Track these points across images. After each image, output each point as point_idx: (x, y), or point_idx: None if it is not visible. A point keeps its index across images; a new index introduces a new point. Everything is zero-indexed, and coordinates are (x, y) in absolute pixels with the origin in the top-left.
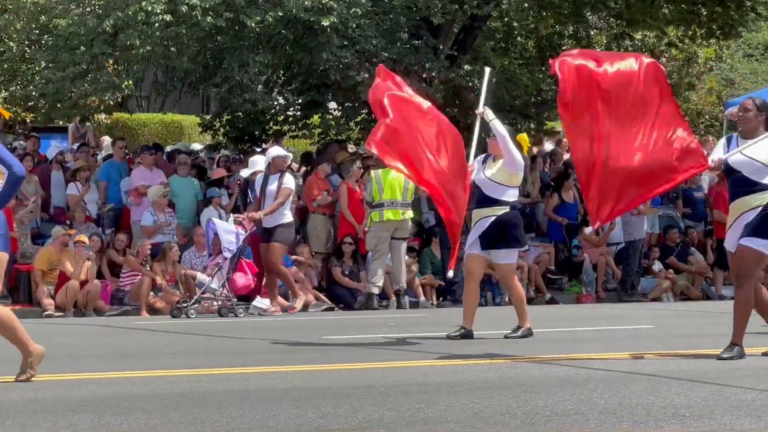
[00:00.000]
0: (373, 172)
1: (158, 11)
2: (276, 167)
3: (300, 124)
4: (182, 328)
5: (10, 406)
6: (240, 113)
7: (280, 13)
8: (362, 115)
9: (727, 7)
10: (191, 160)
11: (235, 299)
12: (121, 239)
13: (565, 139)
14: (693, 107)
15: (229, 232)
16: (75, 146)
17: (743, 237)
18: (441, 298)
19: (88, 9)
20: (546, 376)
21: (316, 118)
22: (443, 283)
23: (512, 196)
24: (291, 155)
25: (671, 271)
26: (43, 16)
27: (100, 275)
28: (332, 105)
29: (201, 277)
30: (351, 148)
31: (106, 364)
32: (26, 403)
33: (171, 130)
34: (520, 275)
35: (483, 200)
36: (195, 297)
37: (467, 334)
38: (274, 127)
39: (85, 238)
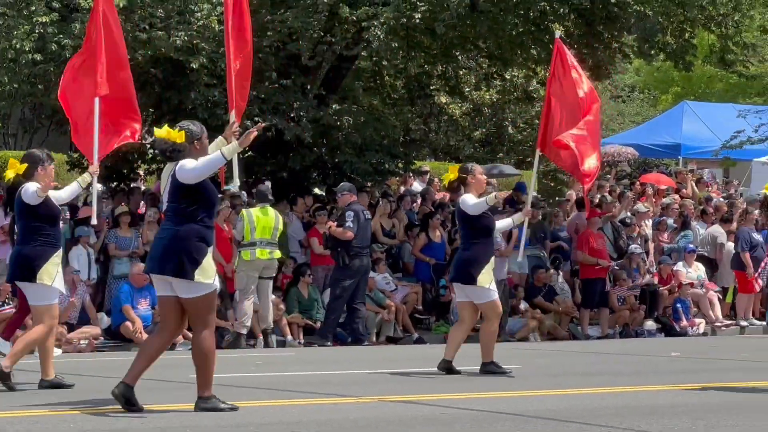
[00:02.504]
0: (244, 212)
1: (27, 49)
2: None
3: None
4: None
5: None
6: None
7: (150, 53)
8: None
9: (594, 48)
10: None
11: None
12: None
13: (437, 179)
14: None
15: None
16: None
17: None
18: (308, 337)
19: None
20: (413, 416)
21: None
22: (310, 322)
23: None
24: None
25: (538, 311)
26: None
27: None
28: None
29: None
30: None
31: None
32: None
33: None
34: (387, 315)
35: None
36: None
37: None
38: (143, 166)
39: None
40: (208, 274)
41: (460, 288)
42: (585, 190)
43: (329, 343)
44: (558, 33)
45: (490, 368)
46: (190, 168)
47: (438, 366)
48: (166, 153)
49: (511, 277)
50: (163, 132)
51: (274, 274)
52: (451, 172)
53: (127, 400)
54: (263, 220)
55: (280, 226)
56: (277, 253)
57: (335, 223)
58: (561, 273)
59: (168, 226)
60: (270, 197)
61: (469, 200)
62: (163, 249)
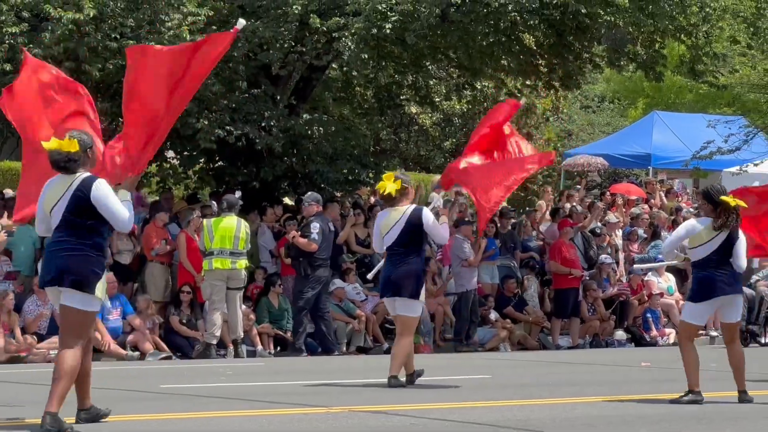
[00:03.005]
0: (205, 221)
1: None
2: None
3: None
4: (21, 378)
5: None
6: None
7: (120, 62)
8: (200, 164)
9: (565, 59)
10: None
11: None
12: None
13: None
14: None
15: None
16: None
17: None
18: (278, 347)
19: None
20: (383, 427)
21: (153, 167)
22: (281, 332)
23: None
24: None
25: (508, 320)
26: None
27: None
28: (170, 154)
29: None
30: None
31: None
32: None
33: (8, 177)
34: (358, 325)
35: None
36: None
37: None
38: None
39: None
40: (101, 291)
41: (397, 301)
42: (482, 220)
43: (305, 354)
44: (523, 100)
45: (393, 382)
46: (127, 219)
47: (389, 384)
48: (61, 164)
49: (481, 286)
50: (53, 144)
51: (241, 285)
52: (389, 180)
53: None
54: (222, 229)
55: (242, 235)
56: (241, 263)
57: (299, 233)
58: (534, 278)
59: (66, 239)
60: (236, 206)
61: (443, 231)
62: (65, 261)
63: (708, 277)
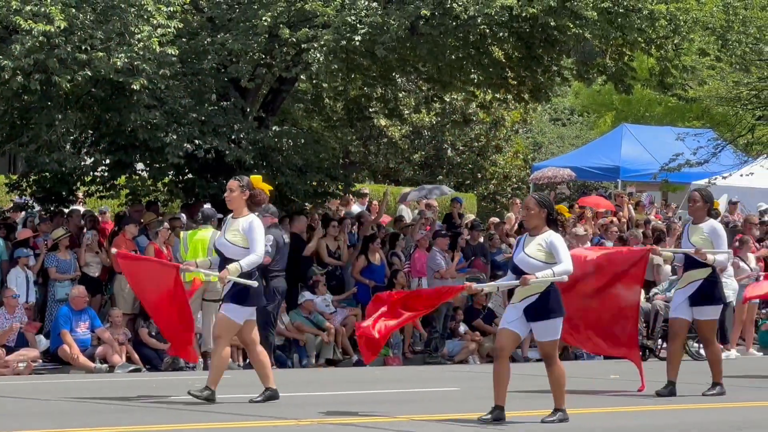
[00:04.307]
0: (182, 233)
1: None
2: None
3: (108, 185)
4: None
5: None
6: (47, 173)
7: (90, 74)
8: (169, 177)
9: (534, 71)
10: None
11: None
12: None
13: (376, 201)
14: (500, 170)
15: None
16: None
17: None
18: (247, 360)
19: None
20: None
21: (122, 179)
22: None
23: None
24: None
25: (477, 333)
26: None
27: None
28: (140, 166)
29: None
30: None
31: None
32: None
33: None
34: (327, 337)
35: None
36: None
37: None
38: (82, 188)
39: None
40: None
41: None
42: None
43: (274, 367)
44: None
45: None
46: None
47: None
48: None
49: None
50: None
51: (218, 297)
52: (259, 182)
53: None
54: (196, 241)
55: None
56: (215, 276)
57: None
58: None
59: None
60: (213, 218)
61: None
62: None
63: None
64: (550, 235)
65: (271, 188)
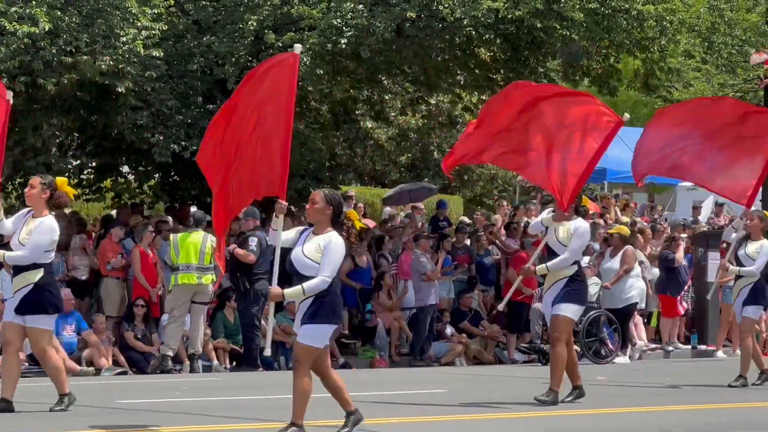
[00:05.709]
0: (172, 236)
1: None
2: None
3: (94, 188)
4: None
5: None
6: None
7: (76, 77)
8: (155, 179)
9: (520, 74)
10: None
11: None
12: None
13: (362, 204)
14: (486, 172)
15: None
16: None
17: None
18: (234, 362)
19: None
20: None
21: (108, 182)
22: (236, 347)
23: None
24: None
25: (464, 335)
26: None
27: None
28: (126, 169)
29: None
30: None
31: None
32: None
33: None
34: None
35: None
36: None
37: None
38: (73, 191)
39: None
40: None
41: None
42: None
43: (261, 369)
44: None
45: None
46: None
47: None
48: None
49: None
50: None
51: (207, 300)
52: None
53: None
54: (188, 244)
55: (208, 250)
56: (207, 278)
57: (237, 246)
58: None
59: None
60: (203, 221)
61: None
62: None
63: None
64: (330, 237)
65: (76, 192)
